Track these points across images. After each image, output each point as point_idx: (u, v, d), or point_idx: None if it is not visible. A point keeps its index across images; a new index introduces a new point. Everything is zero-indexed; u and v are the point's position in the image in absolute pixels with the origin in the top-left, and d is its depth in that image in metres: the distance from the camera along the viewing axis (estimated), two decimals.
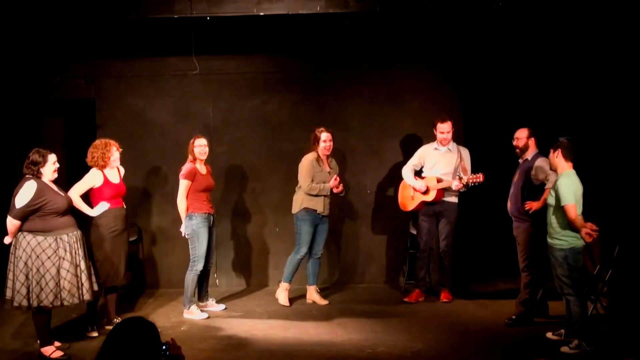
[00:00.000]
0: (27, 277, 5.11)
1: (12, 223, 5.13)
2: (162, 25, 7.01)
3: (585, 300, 5.41)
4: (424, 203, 6.67)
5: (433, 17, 7.20)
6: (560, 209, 5.11)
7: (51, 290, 5.12)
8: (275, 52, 7.61)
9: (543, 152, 5.85)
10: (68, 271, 5.19)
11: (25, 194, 5.12)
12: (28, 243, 5.12)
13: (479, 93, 7.84)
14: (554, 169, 5.39)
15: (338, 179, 6.65)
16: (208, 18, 6.62)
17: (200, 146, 6.38)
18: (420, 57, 7.63)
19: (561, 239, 5.16)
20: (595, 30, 7.06)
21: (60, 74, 7.56)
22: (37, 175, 5.22)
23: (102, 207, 5.73)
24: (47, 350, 5.24)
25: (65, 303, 5.21)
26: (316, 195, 6.60)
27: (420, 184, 6.64)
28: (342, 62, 7.65)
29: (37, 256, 5.12)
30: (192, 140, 6.43)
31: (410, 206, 6.80)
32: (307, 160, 6.66)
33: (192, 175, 6.33)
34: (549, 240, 5.27)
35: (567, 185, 5.09)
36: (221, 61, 7.57)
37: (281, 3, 6.48)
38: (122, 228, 5.92)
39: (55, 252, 5.16)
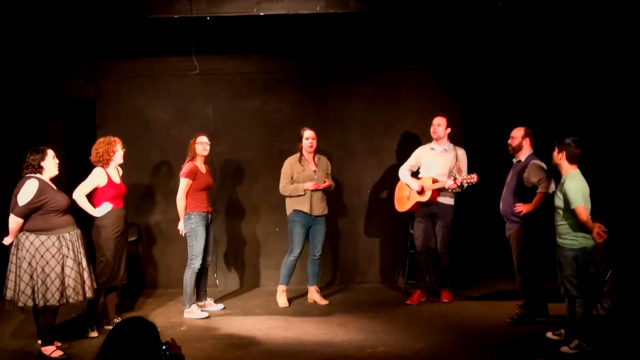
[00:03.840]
0: (31, 277, 5.11)
1: (15, 221, 5.13)
2: (162, 25, 7.01)
3: (591, 302, 5.40)
4: (419, 204, 6.66)
5: (433, 17, 7.20)
6: (569, 212, 5.10)
7: (57, 289, 5.14)
8: (275, 52, 7.61)
9: (539, 152, 5.84)
10: (72, 269, 5.22)
11: (27, 192, 5.12)
12: (31, 243, 5.12)
13: (479, 93, 7.83)
14: (555, 167, 5.37)
15: (317, 185, 6.64)
16: (208, 18, 6.62)
17: (202, 143, 6.43)
18: (420, 57, 7.64)
19: (572, 239, 5.15)
20: (595, 30, 7.05)
21: (60, 74, 7.56)
22: (38, 171, 5.22)
23: (105, 207, 5.74)
24: (48, 349, 5.24)
25: (71, 300, 5.24)
26: (289, 196, 6.69)
27: (415, 183, 6.64)
28: (342, 62, 7.65)
29: (42, 255, 5.12)
30: (193, 139, 6.47)
31: (406, 207, 6.79)
32: (286, 162, 6.78)
33: (193, 174, 6.36)
34: (559, 240, 5.25)
35: (576, 188, 5.07)
36: (221, 61, 7.57)
37: (281, 3, 6.48)
38: (124, 228, 5.96)
39: (58, 250, 5.17)
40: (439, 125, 6.63)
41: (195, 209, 6.35)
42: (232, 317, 6.42)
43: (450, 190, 6.54)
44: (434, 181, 6.55)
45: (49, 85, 7.58)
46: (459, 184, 6.37)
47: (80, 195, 5.68)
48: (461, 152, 6.71)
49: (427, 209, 6.68)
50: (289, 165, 6.74)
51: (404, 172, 6.82)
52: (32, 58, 7.49)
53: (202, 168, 6.50)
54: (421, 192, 6.61)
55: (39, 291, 5.11)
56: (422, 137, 7.34)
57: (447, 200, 6.66)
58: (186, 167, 6.41)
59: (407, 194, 6.77)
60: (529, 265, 5.88)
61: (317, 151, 6.87)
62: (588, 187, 5.16)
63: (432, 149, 6.73)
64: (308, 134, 6.70)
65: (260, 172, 7.64)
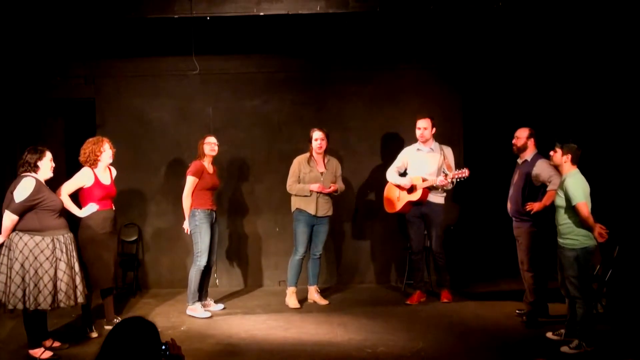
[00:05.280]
0: (23, 279, 5.03)
1: (10, 218, 5.04)
2: (162, 25, 7.01)
3: (591, 302, 5.40)
4: (410, 203, 6.64)
5: (433, 17, 7.20)
6: (571, 209, 5.11)
7: (49, 292, 5.06)
8: (275, 52, 7.62)
9: (542, 152, 5.85)
10: (65, 273, 5.15)
11: (24, 189, 5.05)
12: (25, 244, 5.05)
13: (480, 93, 7.84)
14: (555, 167, 5.40)
15: (323, 189, 6.65)
16: (208, 18, 6.62)
17: (210, 144, 6.47)
18: (421, 57, 7.64)
19: (573, 239, 5.16)
20: (596, 30, 7.05)
21: (60, 74, 7.57)
22: (34, 170, 5.15)
23: (90, 208, 5.63)
24: (36, 352, 5.20)
25: (62, 305, 5.17)
26: (296, 195, 6.69)
27: (405, 181, 6.63)
28: (342, 62, 7.66)
29: (35, 257, 5.05)
30: (201, 140, 6.51)
31: (397, 207, 6.77)
32: (295, 160, 6.78)
33: (200, 173, 6.37)
34: (560, 240, 5.26)
35: (576, 184, 5.10)
36: (221, 61, 7.58)
37: (281, 3, 6.48)
38: (111, 230, 5.86)
39: (52, 252, 5.10)
40: (425, 129, 6.60)
41: (200, 206, 6.36)
42: (232, 317, 6.42)
43: (441, 188, 6.53)
44: (424, 180, 6.54)
45: (49, 85, 7.58)
46: (450, 180, 6.38)
47: (63, 194, 5.57)
48: (447, 150, 6.69)
49: (419, 210, 6.66)
50: (298, 163, 6.73)
51: (392, 173, 6.81)
52: (32, 58, 7.49)
53: (210, 168, 6.51)
54: (411, 190, 6.60)
55: (31, 294, 5.02)
56: None
57: (438, 199, 6.64)
58: (193, 165, 6.44)
59: (397, 195, 6.76)
60: (537, 262, 5.90)
61: (328, 152, 6.85)
62: (588, 186, 5.18)
63: (418, 149, 6.71)
64: (317, 135, 6.68)
65: (260, 172, 7.64)
